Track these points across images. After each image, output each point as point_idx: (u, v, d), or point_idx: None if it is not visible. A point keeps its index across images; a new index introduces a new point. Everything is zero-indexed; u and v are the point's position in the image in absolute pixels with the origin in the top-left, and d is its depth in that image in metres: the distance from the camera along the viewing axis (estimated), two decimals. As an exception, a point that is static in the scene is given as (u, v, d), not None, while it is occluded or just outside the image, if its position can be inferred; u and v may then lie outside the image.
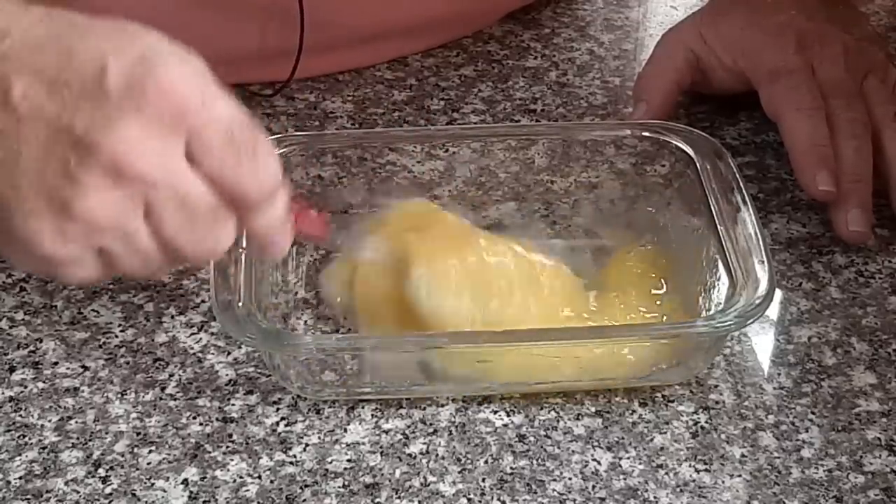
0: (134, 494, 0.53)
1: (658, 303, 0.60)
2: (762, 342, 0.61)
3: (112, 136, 0.45)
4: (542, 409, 0.57)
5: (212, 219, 0.49)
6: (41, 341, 0.60)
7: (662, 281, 0.61)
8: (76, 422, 0.56)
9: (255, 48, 0.76)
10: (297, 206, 0.54)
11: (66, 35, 0.46)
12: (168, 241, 0.49)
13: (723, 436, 0.56)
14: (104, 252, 0.48)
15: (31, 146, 0.45)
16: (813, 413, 0.57)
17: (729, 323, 0.54)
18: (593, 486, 0.53)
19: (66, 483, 0.53)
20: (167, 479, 0.54)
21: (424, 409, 0.57)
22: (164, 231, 0.48)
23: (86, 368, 0.59)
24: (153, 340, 0.61)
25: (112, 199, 0.46)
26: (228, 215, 0.49)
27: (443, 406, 0.57)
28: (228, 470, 0.54)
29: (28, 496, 0.53)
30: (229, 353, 0.60)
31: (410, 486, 0.53)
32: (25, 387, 0.58)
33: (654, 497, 0.53)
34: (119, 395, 0.58)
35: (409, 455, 0.55)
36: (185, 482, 0.54)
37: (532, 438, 0.56)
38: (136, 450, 0.55)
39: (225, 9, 0.74)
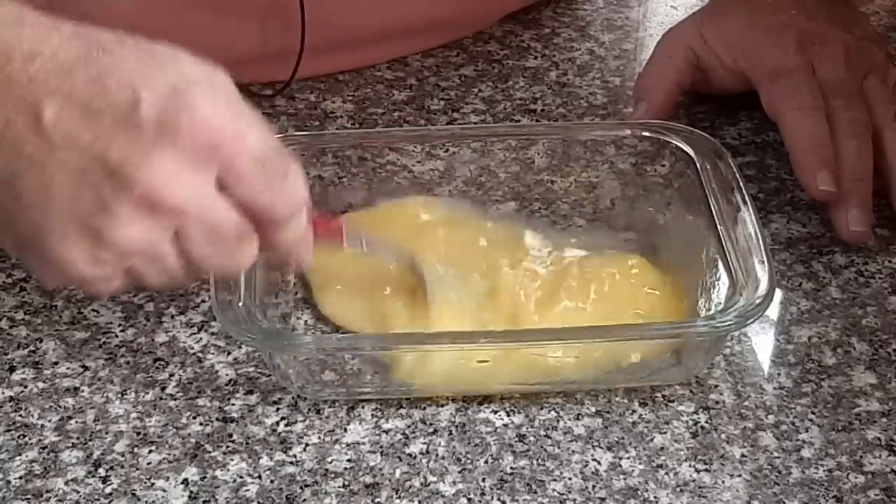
0: (134, 494, 0.53)
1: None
2: (762, 342, 0.61)
3: (147, 169, 0.46)
4: (542, 409, 0.57)
5: (238, 240, 0.50)
6: (41, 341, 0.60)
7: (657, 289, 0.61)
8: (76, 422, 0.56)
9: (255, 49, 0.76)
10: (314, 213, 0.54)
11: (95, 59, 0.46)
12: (194, 262, 0.50)
13: (723, 436, 0.56)
14: (132, 270, 0.49)
15: (65, 173, 0.46)
16: (813, 413, 0.57)
17: (729, 323, 0.54)
18: (593, 486, 0.53)
19: (66, 483, 0.53)
20: (167, 478, 0.54)
21: (424, 409, 0.57)
22: (191, 254, 0.49)
23: (86, 368, 0.59)
24: (153, 340, 0.61)
25: (144, 228, 0.47)
26: (254, 235, 0.50)
27: (443, 406, 0.57)
28: (228, 470, 0.54)
29: (28, 496, 0.53)
30: (229, 353, 0.60)
31: (410, 486, 0.53)
32: (25, 387, 0.58)
33: (654, 497, 0.53)
34: (119, 395, 0.58)
35: (409, 455, 0.55)
36: (185, 482, 0.54)
37: (532, 438, 0.56)
38: (136, 450, 0.55)
39: (226, 10, 0.74)
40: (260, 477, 0.54)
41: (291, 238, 0.52)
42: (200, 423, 0.56)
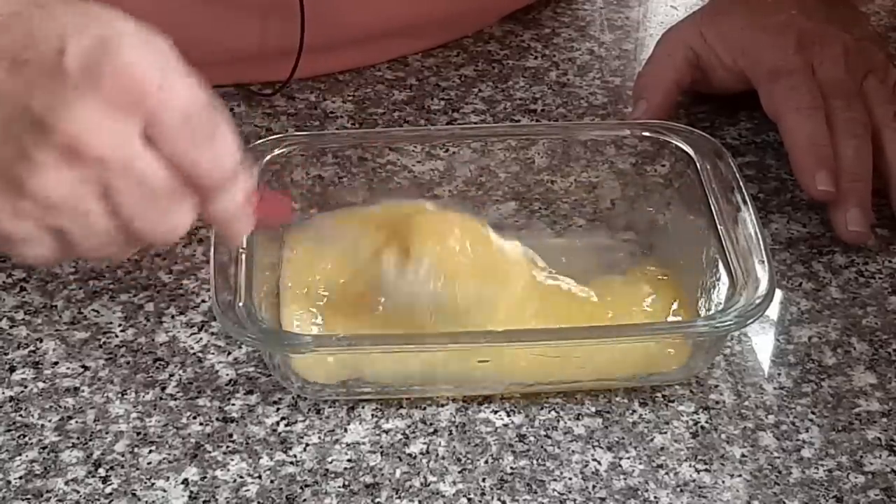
0: (134, 494, 0.53)
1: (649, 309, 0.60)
2: (762, 342, 0.61)
3: (68, 116, 0.45)
4: (542, 409, 0.57)
5: (168, 201, 0.49)
6: (41, 341, 0.60)
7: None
8: (76, 422, 0.56)
9: (255, 48, 0.76)
10: (260, 190, 0.54)
11: (30, 14, 0.46)
12: (125, 223, 0.49)
13: (723, 436, 0.56)
14: (61, 232, 0.48)
15: None
16: (813, 413, 0.57)
17: (729, 323, 0.54)
18: (593, 486, 0.53)
19: (67, 483, 0.53)
20: (167, 478, 0.54)
21: (424, 409, 0.57)
22: (120, 212, 0.48)
23: (86, 368, 0.59)
24: (153, 340, 0.61)
25: (67, 178, 0.46)
26: (186, 198, 0.49)
27: (443, 406, 0.57)
28: (229, 470, 0.54)
29: (28, 496, 0.53)
30: (229, 353, 0.60)
31: (410, 486, 0.53)
32: (25, 387, 0.58)
33: (655, 497, 0.53)
34: (119, 395, 0.58)
35: (410, 455, 0.55)
36: (186, 482, 0.54)
37: (532, 438, 0.56)
38: (136, 450, 0.55)
39: (225, 8, 0.74)
40: (260, 477, 0.54)
41: (224, 208, 0.51)
42: (200, 423, 0.56)
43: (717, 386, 0.58)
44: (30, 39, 0.46)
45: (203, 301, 0.63)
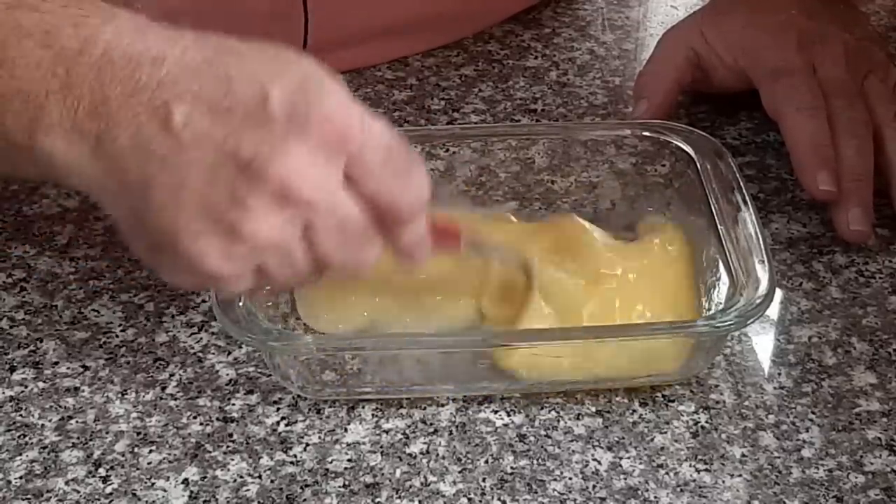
0: (134, 494, 0.53)
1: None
2: (762, 342, 0.61)
3: (279, 161, 0.46)
4: (542, 408, 0.57)
5: (364, 237, 0.50)
6: (42, 341, 0.60)
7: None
8: (76, 421, 0.56)
9: None
10: (433, 216, 0.54)
11: (221, 61, 0.47)
12: (321, 258, 0.50)
13: (723, 435, 0.56)
14: (262, 266, 0.49)
15: (197, 171, 0.46)
16: (813, 413, 0.57)
17: (729, 323, 0.54)
18: (594, 486, 0.53)
19: (67, 483, 0.54)
20: (167, 478, 0.54)
21: (425, 408, 0.57)
22: (319, 249, 0.49)
23: (86, 368, 0.59)
24: (154, 340, 0.61)
25: (277, 221, 0.47)
26: (377, 232, 0.50)
27: (443, 406, 0.57)
28: (229, 470, 0.54)
29: (28, 496, 0.53)
30: (230, 353, 0.60)
31: (411, 486, 0.53)
32: (26, 386, 0.58)
33: (655, 497, 0.53)
34: (119, 395, 0.58)
35: (410, 455, 0.55)
36: (186, 482, 0.54)
37: (532, 438, 0.56)
38: (136, 449, 0.55)
39: (228, 16, 0.74)
40: (260, 477, 0.54)
41: (412, 237, 0.52)
42: (201, 423, 0.56)
43: (717, 386, 0.58)
44: (227, 86, 0.46)
45: (203, 301, 0.63)
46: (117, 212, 0.49)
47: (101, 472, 0.54)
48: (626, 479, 0.54)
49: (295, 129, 0.46)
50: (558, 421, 0.56)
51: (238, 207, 0.46)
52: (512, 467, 0.54)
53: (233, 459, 0.55)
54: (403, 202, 0.50)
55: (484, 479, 0.54)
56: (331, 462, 0.54)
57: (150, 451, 0.55)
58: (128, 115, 0.46)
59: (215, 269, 0.48)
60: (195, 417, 0.57)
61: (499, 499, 0.53)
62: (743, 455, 0.55)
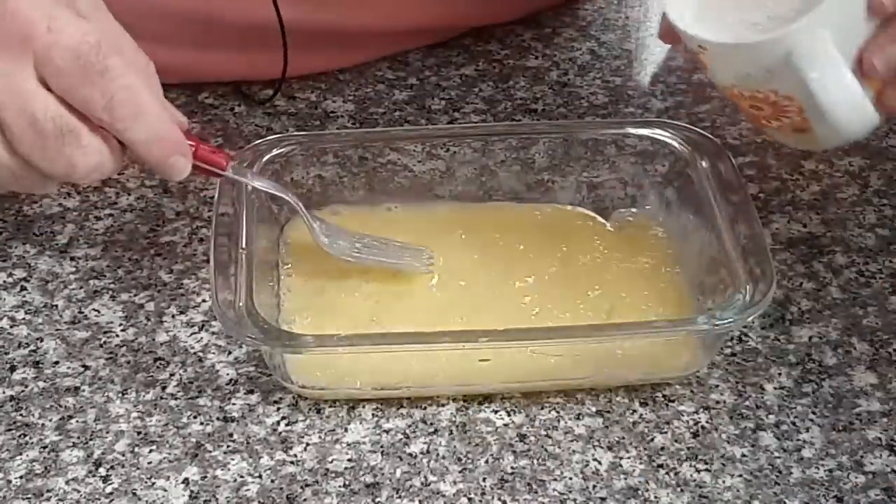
0: (134, 494, 0.53)
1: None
2: (762, 342, 0.61)
3: None
4: (542, 408, 0.57)
5: (62, 138, 0.51)
6: (42, 340, 0.60)
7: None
8: (77, 421, 0.56)
9: (244, 68, 0.76)
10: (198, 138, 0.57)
11: None
12: (24, 158, 0.51)
13: (723, 435, 0.56)
14: None
15: None
16: (813, 413, 0.57)
17: (729, 321, 0.54)
18: (594, 486, 0.53)
19: (67, 482, 0.54)
20: (168, 478, 0.54)
21: (425, 408, 0.57)
22: (18, 149, 0.51)
23: (86, 368, 0.59)
24: (154, 340, 0.61)
25: None
26: (83, 136, 0.51)
27: (443, 406, 0.57)
28: (229, 469, 0.54)
29: (29, 495, 0.53)
30: (230, 353, 0.60)
31: (411, 486, 0.53)
32: (26, 386, 0.58)
33: (655, 497, 0.53)
34: (120, 395, 0.58)
35: (410, 455, 0.55)
36: (186, 482, 0.54)
37: (532, 438, 0.56)
38: (136, 449, 0.55)
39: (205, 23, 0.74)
40: (260, 476, 0.54)
41: (138, 137, 0.53)
42: (201, 423, 0.56)
43: (717, 386, 0.58)
44: None
45: (203, 301, 0.63)
46: None
47: (102, 471, 0.54)
48: (626, 478, 0.54)
49: None
50: (558, 421, 0.56)
51: None
52: (512, 467, 0.54)
53: (233, 459, 0.55)
54: (95, 100, 0.51)
55: (484, 479, 0.54)
56: (331, 462, 0.54)
57: (151, 451, 0.55)
58: None
59: None
60: (195, 417, 0.57)
61: (499, 499, 0.53)
62: (743, 455, 0.55)
